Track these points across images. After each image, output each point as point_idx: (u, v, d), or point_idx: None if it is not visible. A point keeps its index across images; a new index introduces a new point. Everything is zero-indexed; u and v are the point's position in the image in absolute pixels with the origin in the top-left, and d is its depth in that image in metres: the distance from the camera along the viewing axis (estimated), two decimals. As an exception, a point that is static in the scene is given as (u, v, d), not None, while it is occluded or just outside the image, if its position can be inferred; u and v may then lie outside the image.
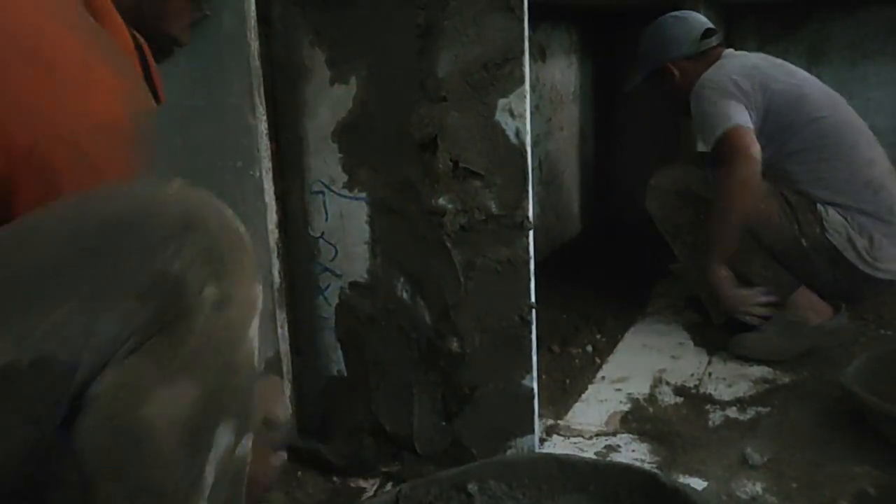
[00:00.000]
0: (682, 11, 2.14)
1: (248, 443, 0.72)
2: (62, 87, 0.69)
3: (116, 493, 0.63)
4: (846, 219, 1.84)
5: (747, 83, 1.89)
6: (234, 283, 0.67)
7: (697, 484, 1.33)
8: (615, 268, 2.63)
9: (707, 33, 2.05)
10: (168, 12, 0.96)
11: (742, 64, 1.97)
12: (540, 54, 2.70)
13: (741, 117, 1.85)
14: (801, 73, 1.99)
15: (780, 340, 1.87)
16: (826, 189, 1.86)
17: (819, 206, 1.85)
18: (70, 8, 0.76)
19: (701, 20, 2.10)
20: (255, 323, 0.70)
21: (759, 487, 1.32)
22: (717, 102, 1.88)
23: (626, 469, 1.13)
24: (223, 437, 0.67)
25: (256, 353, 0.71)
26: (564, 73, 2.97)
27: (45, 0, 0.74)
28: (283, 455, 1.00)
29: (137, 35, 0.84)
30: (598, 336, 2.10)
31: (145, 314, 0.62)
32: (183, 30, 1.00)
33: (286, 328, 1.43)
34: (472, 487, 1.12)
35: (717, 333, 2.02)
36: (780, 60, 2.04)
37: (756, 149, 1.81)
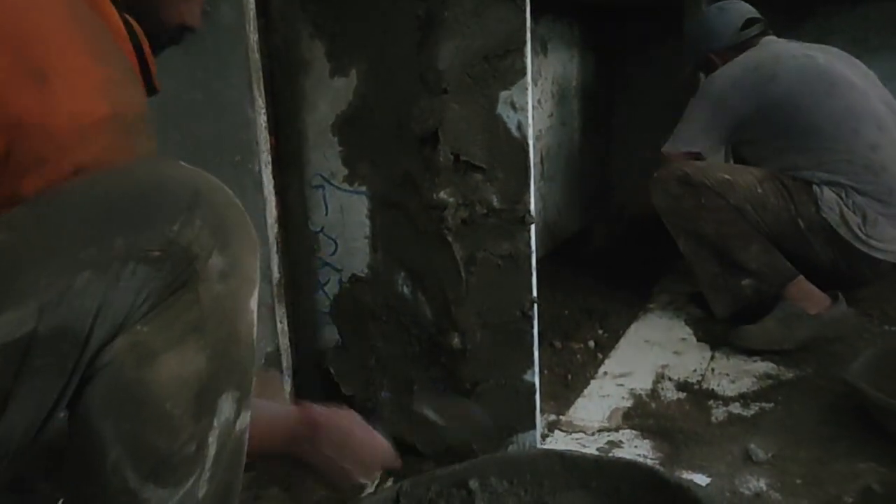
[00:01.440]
0: (727, 1, 2.22)
1: (247, 417, 0.74)
2: (38, 80, 0.68)
3: (123, 458, 0.65)
4: (840, 196, 1.89)
5: (742, 89, 2.01)
6: (237, 255, 0.70)
7: (700, 480, 1.32)
8: (617, 263, 2.61)
9: (748, 23, 2.14)
10: None
11: (748, 64, 2.05)
12: (542, 48, 2.69)
13: (692, 140, 2.09)
14: (813, 62, 2.00)
15: (782, 330, 1.88)
16: (825, 172, 1.91)
17: (815, 186, 1.91)
18: None
19: (742, 10, 2.17)
20: (256, 296, 0.73)
21: (762, 484, 1.31)
22: (693, 115, 2.10)
23: (629, 465, 1.12)
24: (226, 406, 0.70)
25: (255, 328, 0.74)
26: (566, 67, 2.96)
27: None
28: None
29: (130, 19, 0.81)
30: (600, 331, 2.09)
31: (157, 281, 0.64)
32: (189, 12, 0.94)
33: (286, 323, 1.42)
34: (473, 484, 1.11)
35: (720, 329, 2.01)
36: (801, 50, 2.06)
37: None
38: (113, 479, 0.64)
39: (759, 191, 1.92)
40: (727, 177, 1.94)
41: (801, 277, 1.93)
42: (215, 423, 0.69)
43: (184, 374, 0.66)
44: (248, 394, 0.73)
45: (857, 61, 2.08)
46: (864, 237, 1.88)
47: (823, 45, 2.12)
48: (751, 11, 2.18)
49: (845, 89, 1.95)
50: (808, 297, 1.91)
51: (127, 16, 0.80)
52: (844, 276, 1.96)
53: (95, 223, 0.64)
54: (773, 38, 2.14)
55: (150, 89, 0.84)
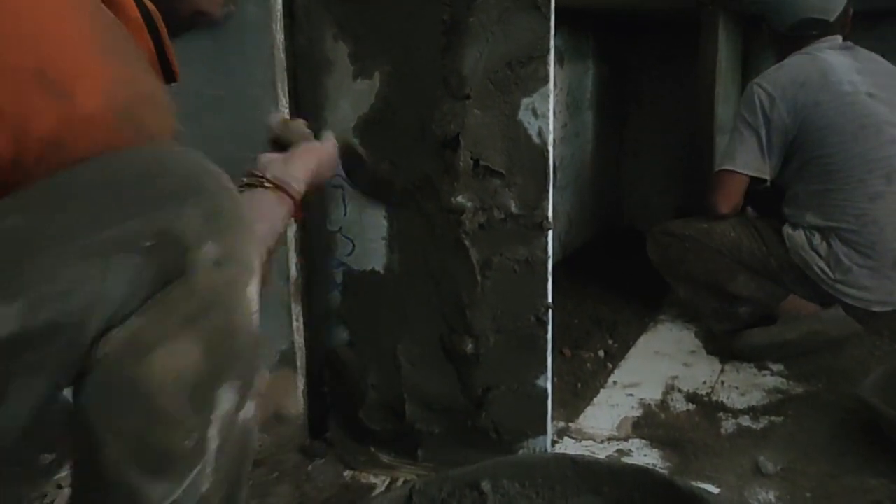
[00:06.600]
0: None
1: (252, 408, 0.72)
2: (57, 95, 0.66)
3: (122, 454, 0.63)
4: (811, 240, 1.94)
5: (787, 106, 1.95)
6: (232, 242, 0.68)
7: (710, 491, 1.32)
8: (627, 274, 2.61)
9: (806, 24, 2.03)
10: None
11: (796, 78, 1.97)
12: (557, 59, 2.70)
13: (755, 164, 1.99)
14: (856, 94, 1.95)
15: (781, 330, 1.93)
16: (814, 215, 1.95)
17: (786, 227, 1.98)
18: None
19: (814, 6, 2.02)
20: (255, 284, 0.71)
21: (772, 496, 1.31)
22: (746, 132, 2.00)
23: (642, 472, 1.12)
24: (225, 398, 0.68)
25: (256, 316, 0.71)
26: (581, 78, 2.97)
27: None
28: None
29: (149, 6, 0.78)
30: (610, 341, 2.10)
31: (150, 272, 0.63)
32: (211, 2, 0.93)
33: (301, 321, 1.43)
34: (485, 485, 1.11)
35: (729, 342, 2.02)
36: (849, 75, 1.98)
37: (732, 203, 2.03)
38: (113, 474, 0.63)
39: (733, 234, 2.02)
40: (704, 225, 2.06)
41: (792, 294, 2.00)
42: (215, 416, 0.67)
43: (179, 367, 0.64)
44: (252, 383, 0.71)
45: None
46: (829, 281, 1.93)
47: (878, 63, 2.04)
48: (821, 12, 2.02)
49: (872, 132, 1.92)
50: (804, 307, 1.98)
51: (145, 2, 0.78)
52: None
53: (85, 214, 0.62)
54: (824, 43, 2.03)
55: (170, 75, 0.82)
